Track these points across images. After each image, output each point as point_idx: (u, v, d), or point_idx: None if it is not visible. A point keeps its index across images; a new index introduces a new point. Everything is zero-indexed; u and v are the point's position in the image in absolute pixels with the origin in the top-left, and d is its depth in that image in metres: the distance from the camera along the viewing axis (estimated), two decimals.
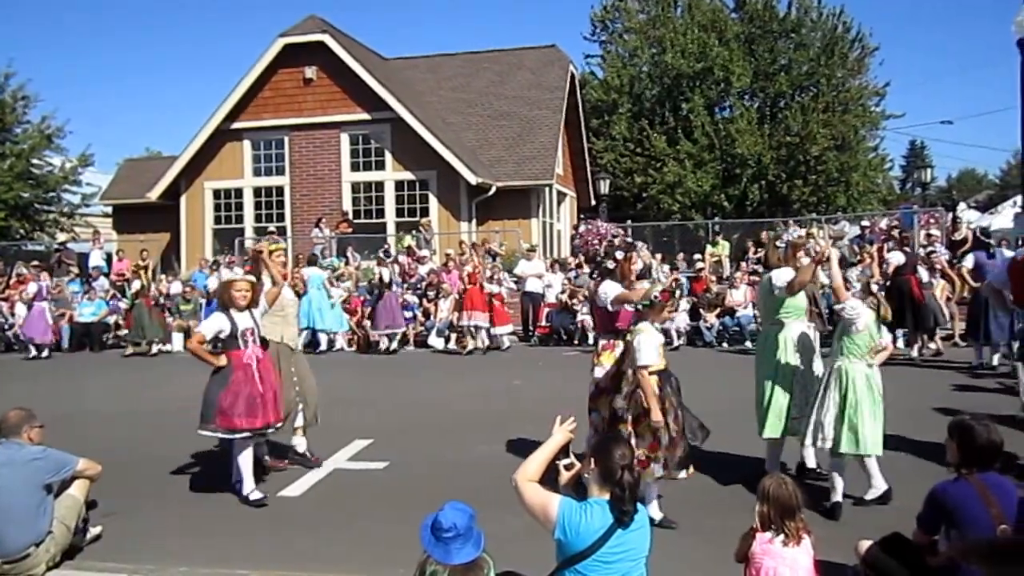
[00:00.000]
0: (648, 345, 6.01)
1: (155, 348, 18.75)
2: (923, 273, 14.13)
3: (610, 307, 6.74)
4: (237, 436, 6.94)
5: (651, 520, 5.83)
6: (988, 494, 4.33)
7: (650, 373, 5.98)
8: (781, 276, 6.95)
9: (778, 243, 7.33)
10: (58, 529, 5.60)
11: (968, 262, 13.74)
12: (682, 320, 17.09)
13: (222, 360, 7.00)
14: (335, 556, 5.83)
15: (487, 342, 17.47)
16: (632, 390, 6.12)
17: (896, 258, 13.19)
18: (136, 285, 19.34)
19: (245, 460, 7.03)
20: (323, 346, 17.85)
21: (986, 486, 4.38)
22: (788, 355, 6.92)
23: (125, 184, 28.24)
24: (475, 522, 3.80)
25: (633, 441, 5.95)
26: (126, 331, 19.29)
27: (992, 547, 3.65)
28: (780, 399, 6.88)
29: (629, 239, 7.93)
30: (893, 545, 4.76)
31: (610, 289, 6.83)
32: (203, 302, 19.30)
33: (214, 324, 7.09)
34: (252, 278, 7.37)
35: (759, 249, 21.03)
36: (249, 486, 7.00)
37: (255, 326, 7.21)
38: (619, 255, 7.10)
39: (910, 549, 4.63)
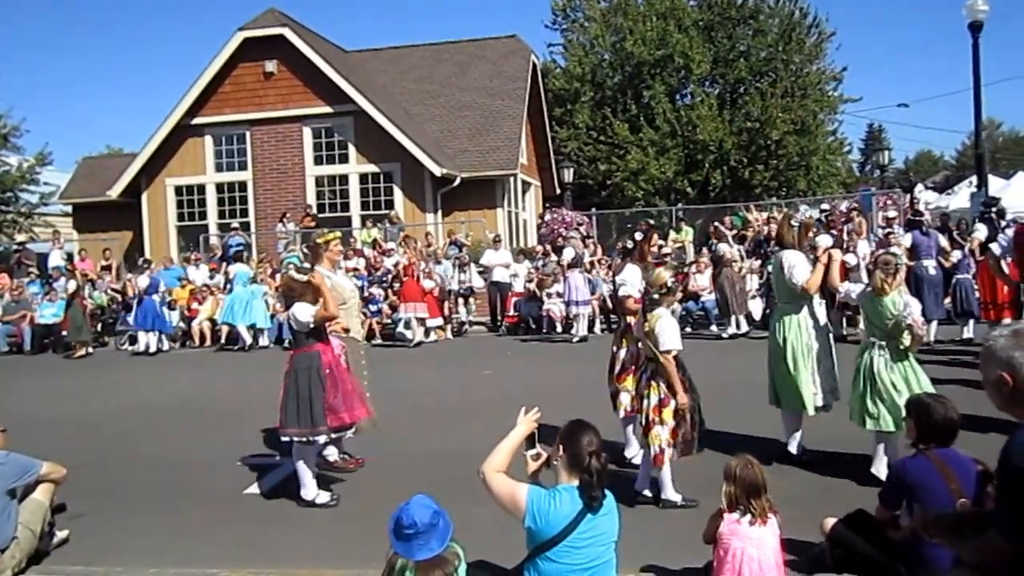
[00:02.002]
0: (670, 330, 6.08)
1: (85, 350, 18.52)
2: (850, 258, 14.42)
3: (635, 295, 6.81)
4: (342, 435, 6.91)
5: (672, 502, 6.08)
6: (947, 469, 4.43)
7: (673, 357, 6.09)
8: (797, 273, 7.02)
9: (792, 223, 7.34)
10: (23, 534, 5.54)
11: (906, 240, 13.97)
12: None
13: (335, 310, 6.81)
14: (306, 551, 5.83)
15: (417, 335, 17.56)
16: (651, 377, 6.21)
17: (824, 241, 13.33)
18: (71, 286, 18.99)
19: (311, 464, 6.80)
20: (248, 342, 18.05)
21: (944, 461, 4.48)
22: (806, 333, 7.00)
23: (84, 182, 27.92)
24: (441, 517, 3.80)
25: (656, 429, 6.07)
26: (64, 332, 18.99)
27: (952, 520, 3.73)
28: (805, 375, 6.96)
29: (653, 221, 7.97)
30: (857, 522, 4.86)
31: (630, 278, 6.82)
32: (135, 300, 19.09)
33: (312, 311, 6.74)
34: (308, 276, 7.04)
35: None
36: (314, 491, 6.75)
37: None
38: (638, 236, 7.11)
39: (873, 525, 4.73)
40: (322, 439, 6.76)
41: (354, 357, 7.85)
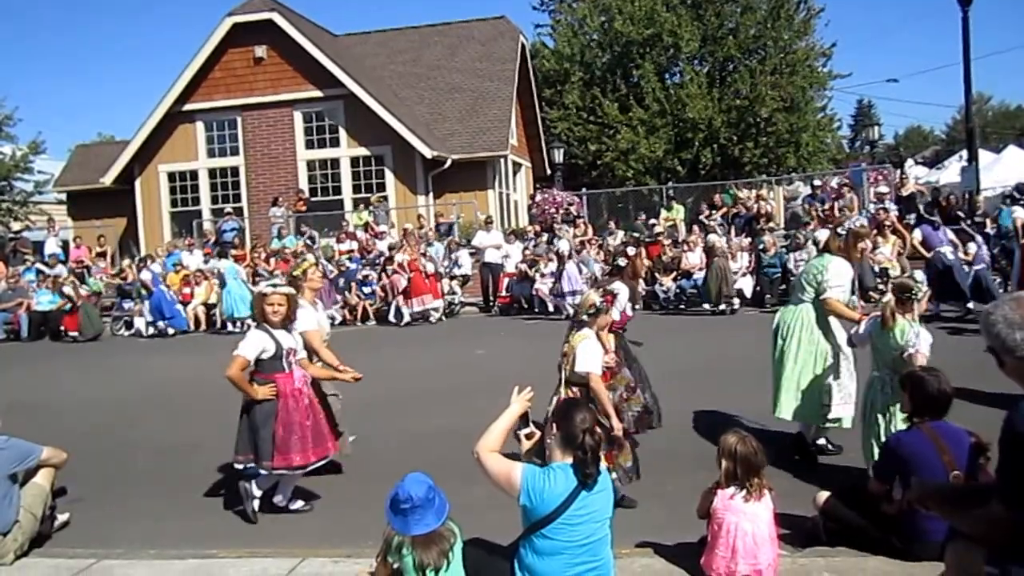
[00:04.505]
0: (590, 354, 5.61)
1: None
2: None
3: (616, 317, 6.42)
4: (295, 473, 6.19)
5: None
6: (940, 442, 4.49)
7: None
8: (833, 286, 6.50)
9: (840, 230, 6.76)
10: (25, 518, 5.59)
11: (917, 235, 14.02)
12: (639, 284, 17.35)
13: (264, 391, 6.06)
14: (302, 532, 5.88)
15: (406, 316, 17.88)
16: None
17: (823, 235, 13.45)
18: (69, 291, 19.24)
19: (291, 483, 6.35)
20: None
21: (938, 434, 4.54)
22: (829, 335, 6.62)
23: (78, 170, 27.88)
24: (436, 493, 3.83)
25: None
26: (77, 333, 19.10)
27: (952, 492, 3.78)
28: (819, 381, 6.59)
29: (638, 234, 7.52)
30: (850, 495, 4.92)
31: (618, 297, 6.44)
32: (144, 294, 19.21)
33: (255, 343, 6.09)
34: (289, 290, 6.39)
35: (712, 212, 21.33)
36: (290, 499, 6.37)
37: (296, 346, 6.33)
38: (631, 251, 6.84)
39: (867, 499, 4.78)
40: (264, 472, 6.10)
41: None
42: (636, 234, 7.38)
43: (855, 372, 6.62)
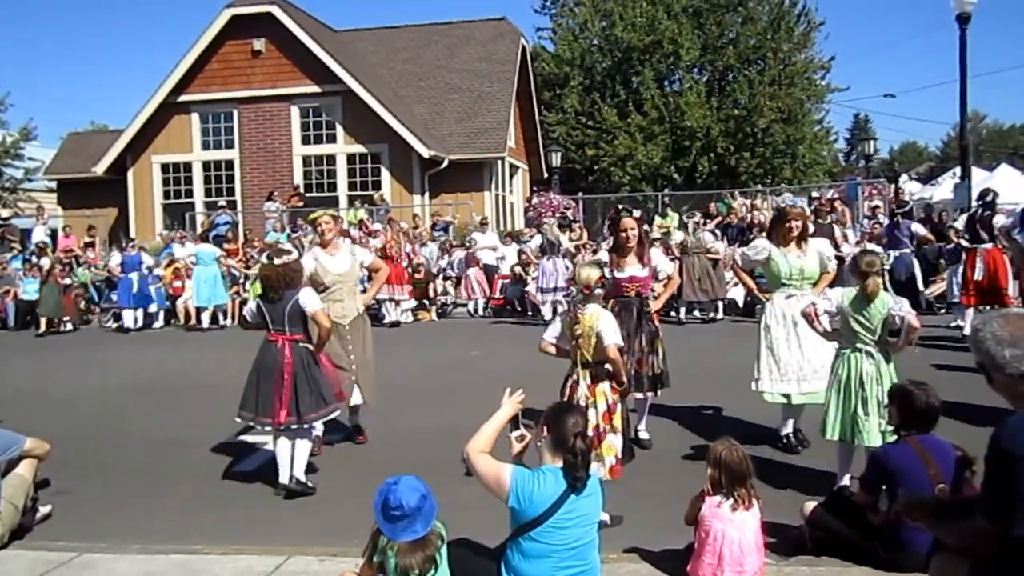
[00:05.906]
0: (612, 324, 5.68)
1: (62, 326, 18.86)
2: (846, 248, 14.57)
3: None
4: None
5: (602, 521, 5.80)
6: (927, 455, 4.51)
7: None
8: (751, 250, 7.06)
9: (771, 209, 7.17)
10: (6, 509, 5.53)
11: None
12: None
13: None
14: (290, 529, 5.84)
15: (392, 315, 17.68)
16: (592, 382, 5.71)
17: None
18: (45, 263, 19.11)
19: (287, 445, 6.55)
20: (220, 320, 18.29)
21: (925, 448, 4.56)
22: (766, 316, 7.01)
23: (70, 158, 27.78)
24: (427, 500, 3.81)
25: (609, 439, 5.63)
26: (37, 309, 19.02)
27: (938, 504, 3.79)
28: (761, 358, 7.00)
29: (622, 205, 7.61)
30: (837, 505, 4.93)
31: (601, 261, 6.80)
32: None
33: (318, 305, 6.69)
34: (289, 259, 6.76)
35: (707, 220, 21.33)
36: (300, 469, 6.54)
37: None
38: (607, 222, 7.12)
39: (853, 509, 4.79)
40: (336, 412, 6.98)
41: (344, 340, 7.68)
42: (620, 205, 7.29)
43: (791, 345, 6.84)
